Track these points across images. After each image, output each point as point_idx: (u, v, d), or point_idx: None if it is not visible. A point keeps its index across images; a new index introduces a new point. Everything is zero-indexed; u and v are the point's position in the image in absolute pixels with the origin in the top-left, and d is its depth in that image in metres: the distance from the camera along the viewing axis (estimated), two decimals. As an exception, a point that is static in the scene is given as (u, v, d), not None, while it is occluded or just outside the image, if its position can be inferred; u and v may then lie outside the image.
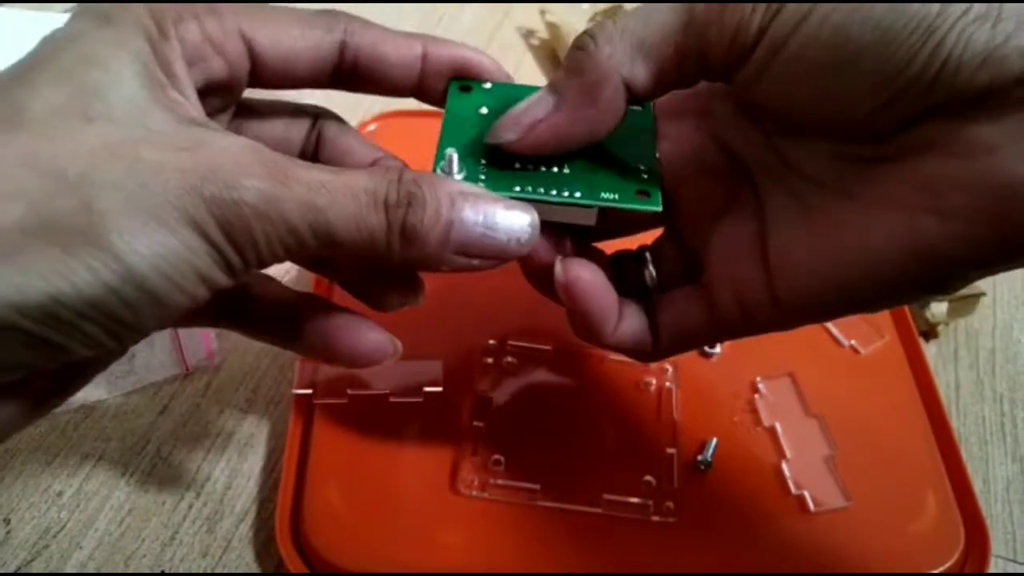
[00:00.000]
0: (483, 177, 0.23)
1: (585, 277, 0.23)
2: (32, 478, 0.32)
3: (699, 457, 0.31)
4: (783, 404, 0.33)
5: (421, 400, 0.32)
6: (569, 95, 0.22)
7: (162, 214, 0.17)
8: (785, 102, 0.21)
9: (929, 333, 0.39)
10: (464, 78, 0.25)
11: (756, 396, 0.33)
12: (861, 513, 0.30)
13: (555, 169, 0.23)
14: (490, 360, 0.34)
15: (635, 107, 0.23)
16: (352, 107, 0.50)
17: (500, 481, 0.30)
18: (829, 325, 0.36)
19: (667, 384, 0.34)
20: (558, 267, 0.23)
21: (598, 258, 0.26)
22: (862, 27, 0.19)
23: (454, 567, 0.28)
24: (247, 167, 0.18)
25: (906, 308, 0.37)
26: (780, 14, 0.20)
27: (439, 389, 0.32)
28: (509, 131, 0.23)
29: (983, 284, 0.40)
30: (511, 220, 0.21)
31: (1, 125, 0.17)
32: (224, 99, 0.23)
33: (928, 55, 0.18)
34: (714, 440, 0.32)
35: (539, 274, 0.24)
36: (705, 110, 0.25)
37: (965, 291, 0.39)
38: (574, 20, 0.54)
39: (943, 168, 0.19)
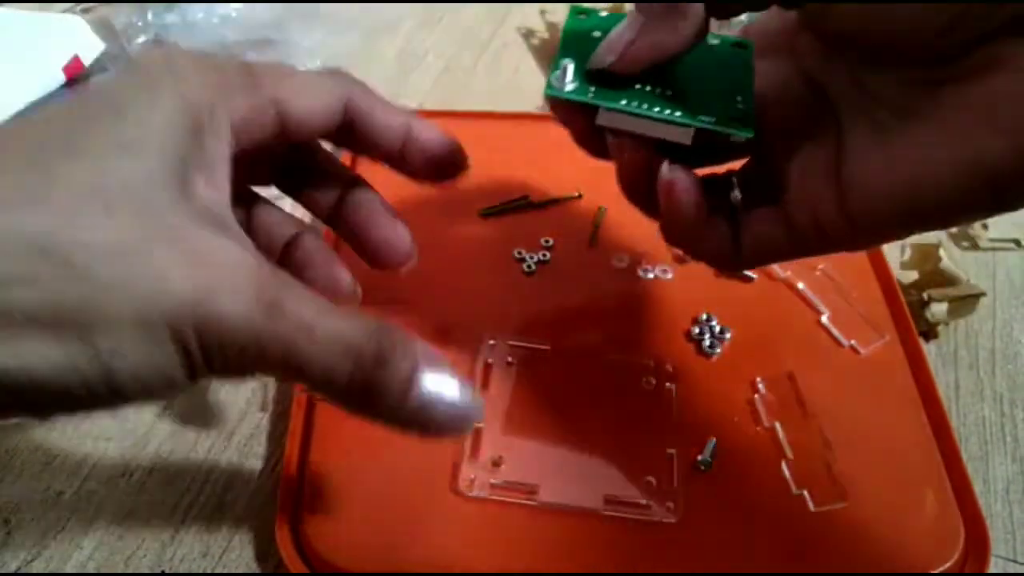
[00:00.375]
0: (592, 90, 0.26)
1: (684, 178, 0.25)
2: (32, 478, 0.32)
3: (699, 457, 0.31)
4: (783, 404, 0.33)
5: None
6: (655, 13, 0.25)
7: (154, 327, 0.17)
8: (856, 25, 0.23)
9: (929, 333, 0.39)
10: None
11: (756, 396, 0.33)
12: (861, 513, 0.30)
13: (659, 90, 0.26)
14: (490, 360, 0.34)
15: (738, 47, 0.27)
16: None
17: (500, 481, 0.30)
18: (829, 325, 0.36)
19: (667, 384, 0.34)
20: (664, 168, 0.25)
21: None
22: None
23: (454, 567, 0.28)
24: (243, 292, 0.18)
25: (905, 308, 0.37)
26: None
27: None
28: (609, 54, 0.25)
29: (983, 284, 0.40)
30: (460, 400, 0.20)
31: (29, 196, 0.17)
32: (255, 166, 0.24)
33: None
34: (713, 440, 0.32)
35: (635, 183, 0.27)
36: (792, 46, 0.27)
37: (965, 291, 0.39)
38: (574, 20, 0.54)
39: (1004, 85, 0.20)
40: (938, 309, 0.38)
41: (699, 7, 0.24)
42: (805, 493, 0.30)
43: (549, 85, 0.26)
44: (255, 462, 0.33)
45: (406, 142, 0.25)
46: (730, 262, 0.27)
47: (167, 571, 0.30)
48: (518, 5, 0.58)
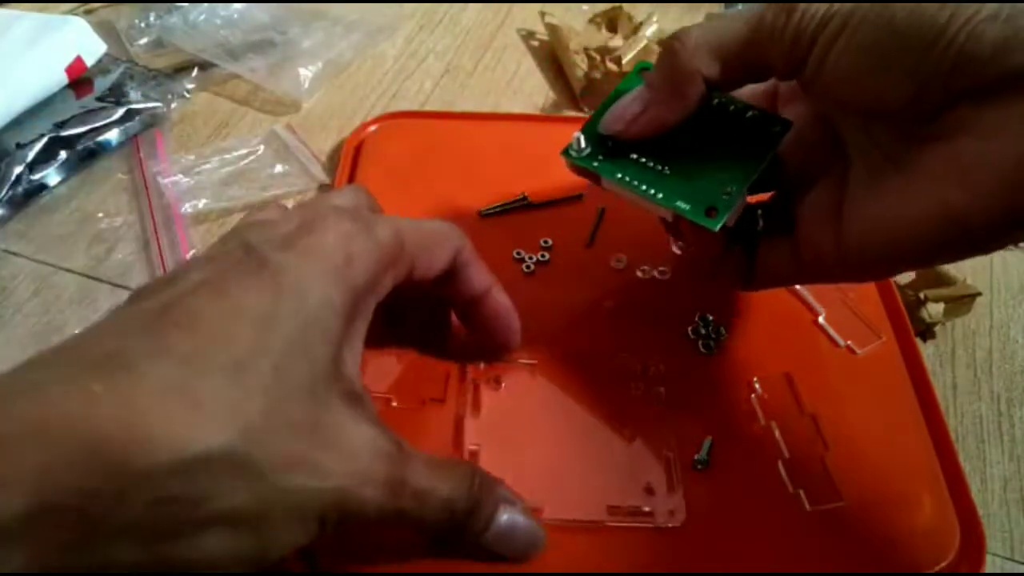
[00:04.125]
0: (599, 159, 0.30)
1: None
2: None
3: (695, 456, 0.31)
4: (779, 404, 0.33)
5: (422, 408, 0.32)
6: (661, 90, 0.28)
7: (309, 516, 0.19)
8: (841, 95, 0.26)
9: (926, 333, 0.39)
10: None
11: (753, 396, 0.34)
12: (857, 512, 0.30)
13: (656, 164, 0.29)
14: (474, 378, 0.33)
15: (774, 125, 0.29)
16: (353, 108, 0.50)
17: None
18: (826, 325, 0.36)
19: (660, 389, 0.34)
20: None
21: None
22: (886, 33, 0.23)
23: (454, 567, 0.28)
24: (381, 480, 0.20)
25: (902, 308, 0.37)
26: (827, 27, 0.24)
27: (441, 400, 0.32)
28: (617, 123, 0.29)
29: (980, 284, 0.40)
30: (528, 534, 0.23)
31: (225, 409, 0.17)
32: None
33: (941, 51, 0.22)
34: (710, 439, 0.32)
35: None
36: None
37: (962, 291, 0.39)
38: (574, 22, 0.55)
39: (970, 147, 0.23)
40: (935, 309, 0.39)
41: (699, 89, 0.27)
42: (801, 493, 0.31)
43: (566, 149, 0.31)
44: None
45: (484, 297, 0.26)
46: (743, 285, 0.31)
47: (168, 569, 0.30)
48: (518, 6, 0.58)
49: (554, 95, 0.52)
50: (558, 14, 0.55)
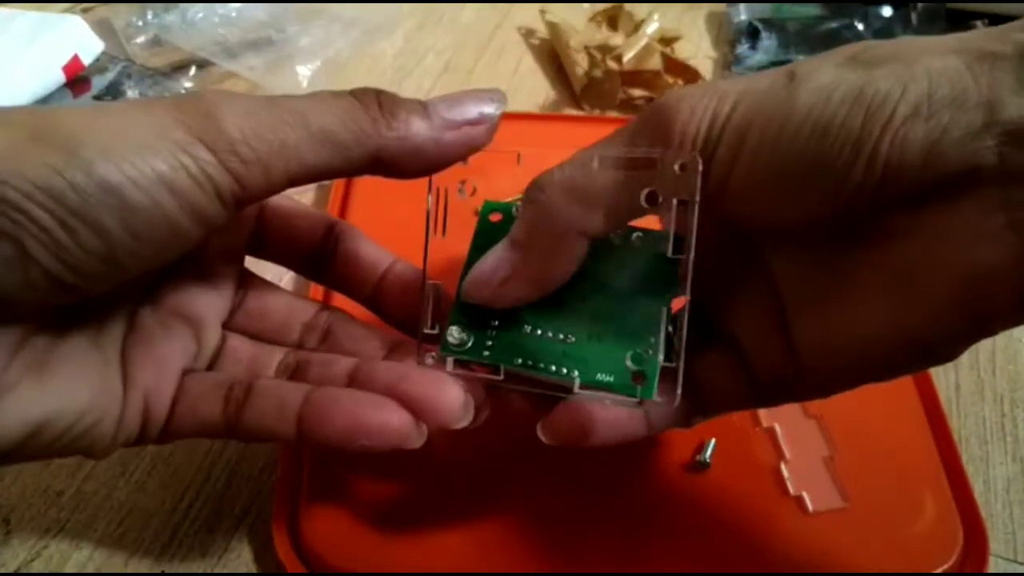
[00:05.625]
0: (488, 347, 0.24)
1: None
2: (32, 478, 0.32)
3: (697, 457, 0.31)
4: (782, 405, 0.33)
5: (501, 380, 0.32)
6: (531, 252, 0.23)
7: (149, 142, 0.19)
8: (749, 216, 0.22)
9: (929, 333, 0.39)
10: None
11: (755, 396, 0.33)
12: (860, 514, 0.30)
13: (560, 336, 0.24)
14: None
15: (672, 257, 0.23)
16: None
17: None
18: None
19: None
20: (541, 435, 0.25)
21: None
22: (794, 153, 0.19)
23: (453, 567, 0.28)
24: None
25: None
26: (715, 154, 0.20)
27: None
28: (482, 289, 0.24)
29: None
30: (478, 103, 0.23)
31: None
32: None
33: (864, 166, 0.18)
34: (712, 440, 0.32)
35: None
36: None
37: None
38: (574, 20, 0.54)
39: (913, 255, 0.19)
40: (938, 309, 0.38)
41: (579, 247, 0.22)
42: (804, 494, 0.30)
43: (444, 345, 0.24)
44: (254, 462, 0.33)
45: (383, 279, 0.27)
46: (687, 423, 0.25)
47: (167, 571, 0.30)
48: (518, 5, 0.58)
49: (554, 94, 0.51)
50: (558, 12, 0.55)
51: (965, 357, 0.38)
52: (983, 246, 0.18)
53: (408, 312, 0.26)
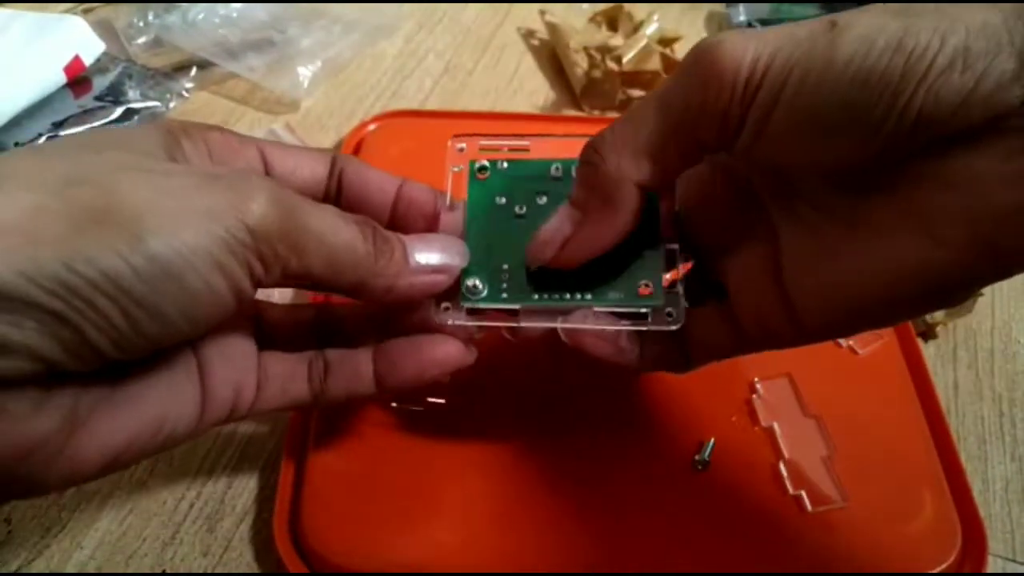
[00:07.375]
0: (504, 290, 0.26)
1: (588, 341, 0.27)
2: (33, 478, 0.32)
3: (696, 456, 0.31)
4: (781, 404, 0.33)
5: (422, 409, 0.32)
6: (591, 208, 0.24)
7: (194, 219, 0.19)
8: (780, 161, 0.23)
9: (928, 333, 0.39)
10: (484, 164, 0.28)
11: (754, 396, 0.33)
12: (858, 513, 0.30)
13: (569, 278, 0.26)
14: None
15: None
16: (353, 107, 0.50)
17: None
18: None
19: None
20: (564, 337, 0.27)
21: None
22: (833, 99, 0.20)
23: (453, 567, 0.29)
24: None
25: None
26: (756, 98, 0.21)
27: (442, 401, 0.32)
28: (546, 252, 0.25)
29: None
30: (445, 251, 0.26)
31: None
32: None
33: (898, 115, 0.19)
34: (712, 440, 0.32)
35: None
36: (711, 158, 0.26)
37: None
38: (574, 20, 0.54)
39: (936, 199, 0.20)
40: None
41: (634, 200, 0.23)
42: (803, 493, 0.30)
43: (462, 296, 0.26)
44: (255, 462, 0.33)
45: (398, 200, 0.28)
46: (680, 369, 0.28)
47: (168, 571, 0.30)
48: (518, 5, 0.58)
49: (554, 94, 0.51)
50: (558, 13, 0.55)
51: (963, 356, 0.38)
52: (1006, 189, 0.19)
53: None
